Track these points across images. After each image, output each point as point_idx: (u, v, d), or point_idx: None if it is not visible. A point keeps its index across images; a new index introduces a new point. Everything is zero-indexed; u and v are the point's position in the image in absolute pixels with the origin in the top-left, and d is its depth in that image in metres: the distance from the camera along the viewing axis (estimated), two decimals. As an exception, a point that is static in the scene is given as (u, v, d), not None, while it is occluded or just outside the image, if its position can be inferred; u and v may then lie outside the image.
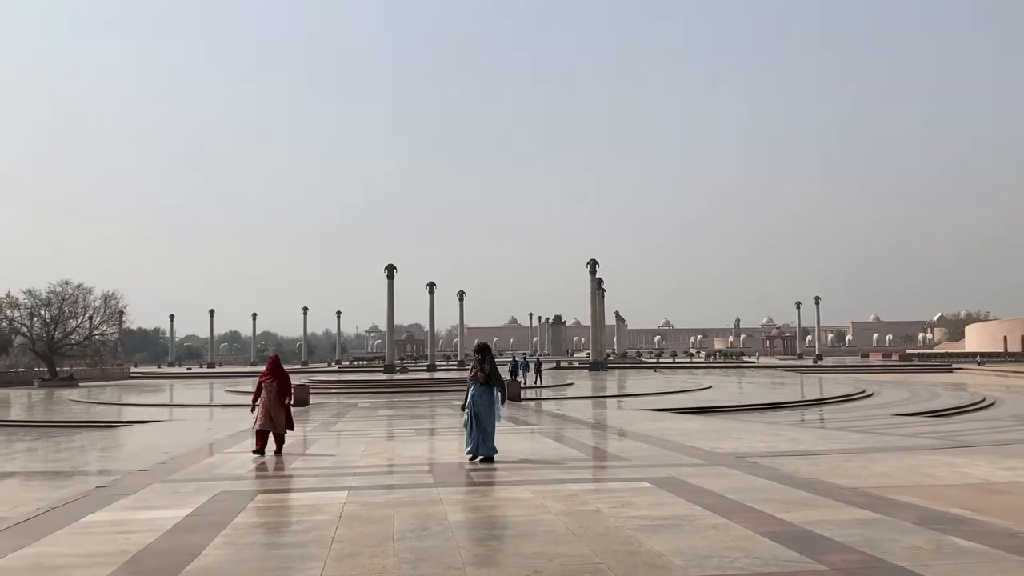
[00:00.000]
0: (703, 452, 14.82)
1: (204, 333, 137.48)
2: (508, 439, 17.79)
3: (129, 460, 15.76)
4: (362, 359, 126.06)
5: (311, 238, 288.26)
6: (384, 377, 64.12)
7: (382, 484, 10.94)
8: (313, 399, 39.02)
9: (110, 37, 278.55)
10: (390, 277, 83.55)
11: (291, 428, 15.74)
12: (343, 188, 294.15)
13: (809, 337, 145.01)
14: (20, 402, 48.36)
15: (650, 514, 8.30)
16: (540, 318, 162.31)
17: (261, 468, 13.13)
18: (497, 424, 13.77)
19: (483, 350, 13.99)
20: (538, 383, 49.15)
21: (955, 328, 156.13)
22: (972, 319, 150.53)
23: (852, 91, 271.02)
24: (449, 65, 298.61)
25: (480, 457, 13.29)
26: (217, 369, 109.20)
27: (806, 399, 41.59)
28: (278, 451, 15.24)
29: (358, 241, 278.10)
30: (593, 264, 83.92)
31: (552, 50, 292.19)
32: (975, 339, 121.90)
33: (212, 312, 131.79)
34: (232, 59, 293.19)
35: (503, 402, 13.93)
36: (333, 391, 49.25)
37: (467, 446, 13.55)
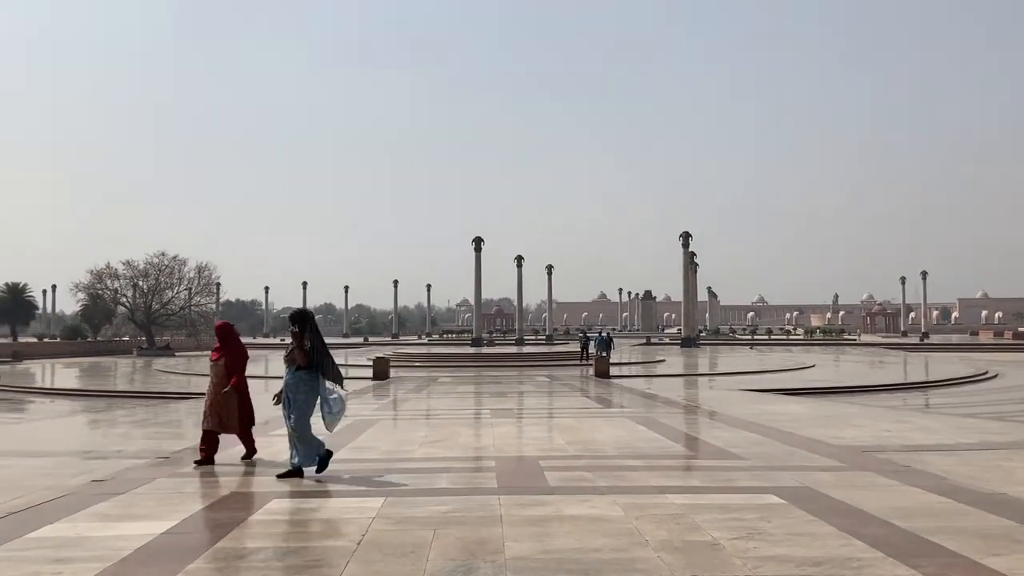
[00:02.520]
0: (827, 447, 12.16)
1: (300, 305, 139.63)
2: (593, 425, 15.47)
3: (168, 440, 14.03)
4: (451, 332, 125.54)
5: (405, 211, 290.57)
6: (470, 351, 62.57)
7: (431, 488, 8.70)
8: (394, 372, 37.65)
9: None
10: (477, 250, 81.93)
11: (251, 423, 11.10)
12: (436, 160, 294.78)
13: (913, 314, 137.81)
14: (105, 370, 48.57)
15: (793, 553, 5.85)
16: (630, 293, 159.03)
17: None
18: (336, 426, 9.90)
19: (301, 319, 9.76)
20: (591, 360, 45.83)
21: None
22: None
23: (958, 58, 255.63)
24: (535, 31, 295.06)
25: (293, 470, 9.43)
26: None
27: (921, 380, 37.99)
28: (248, 456, 10.94)
29: (449, 214, 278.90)
30: (686, 237, 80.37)
31: (639, 16, 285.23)
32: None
33: (305, 284, 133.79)
34: (332, 41, 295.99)
35: (333, 390, 9.75)
36: (416, 364, 47.86)
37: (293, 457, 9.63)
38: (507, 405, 20.99)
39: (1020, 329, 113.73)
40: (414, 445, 12.43)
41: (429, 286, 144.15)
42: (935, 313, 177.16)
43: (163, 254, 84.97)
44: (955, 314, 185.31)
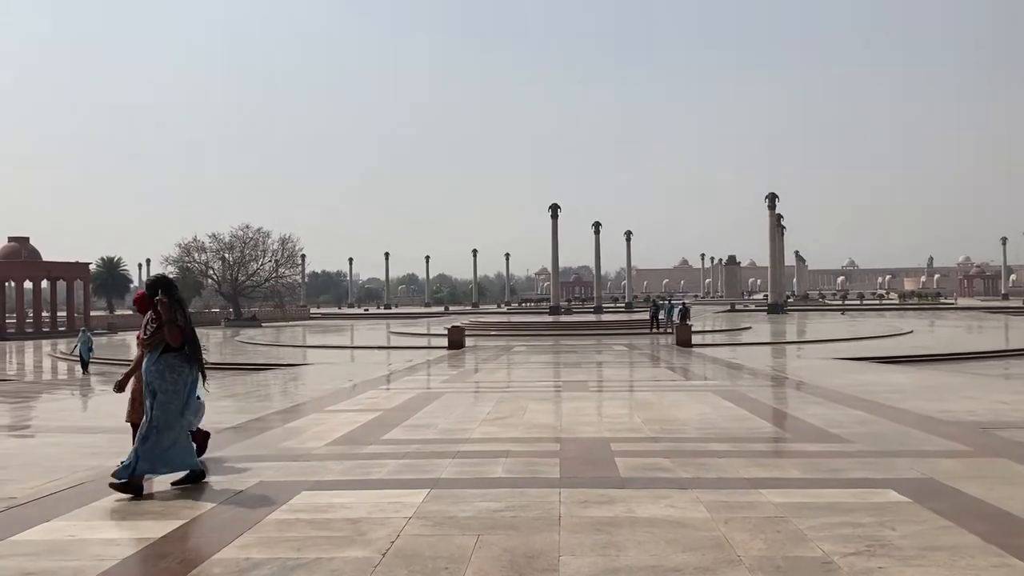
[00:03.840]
0: (943, 425, 10.62)
1: (385, 275, 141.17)
2: (674, 400, 14.14)
3: (231, 414, 13.30)
4: (530, 301, 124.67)
5: (483, 179, 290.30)
6: (548, 319, 61.61)
7: (484, 477, 7.55)
8: (471, 341, 36.93)
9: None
10: (554, 217, 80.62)
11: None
12: (513, 125, 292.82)
13: (1014, 276, 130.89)
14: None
15: (932, 576, 4.55)
16: (712, 259, 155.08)
17: (340, 441, 10.00)
18: (197, 422, 7.84)
19: (167, 287, 7.45)
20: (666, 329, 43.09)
21: None
22: None
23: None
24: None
25: (125, 482, 6.95)
26: (393, 310, 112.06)
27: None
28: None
29: (527, 181, 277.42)
30: (772, 198, 77.17)
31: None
32: None
33: (387, 255, 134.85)
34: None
35: (199, 384, 7.51)
36: (492, 333, 47.06)
37: (126, 461, 7.08)
38: (580, 377, 19.74)
39: None
40: (475, 423, 11.33)
41: (508, 255, 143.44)
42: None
43: (247, 226, 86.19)
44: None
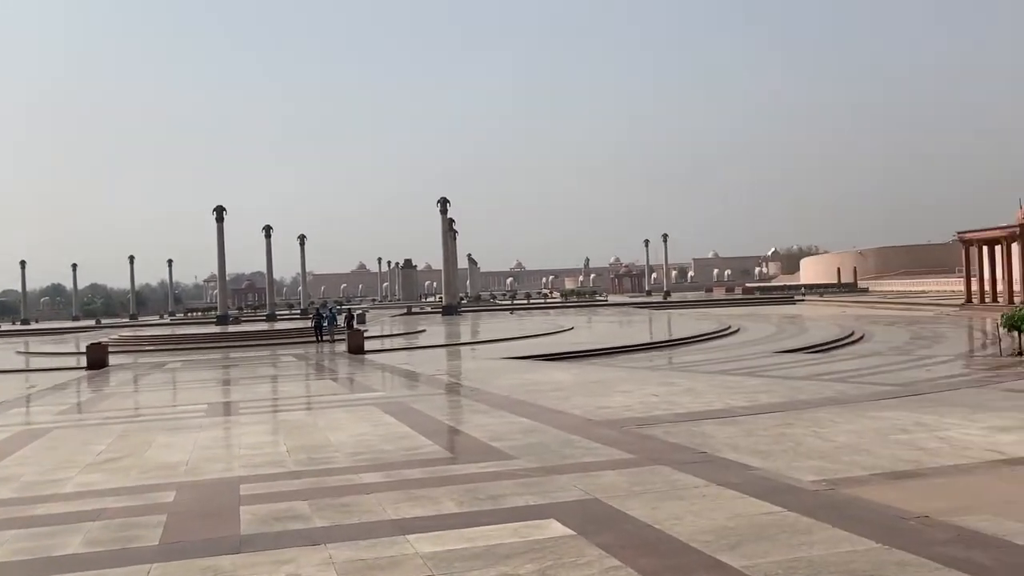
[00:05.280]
0: (606, 428, 10.44)
1: (21, 286, 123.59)
2: (332, 419, 12.77)
3: None
4: (197, 310, 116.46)
5: (140, 180, 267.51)
6: (215, 330, 57.31)
7: (47, 557, 5.62)
8: (120, 359, 32.80)
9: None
10: (219, 220, 75.55)
11: None
12: (178, 123, 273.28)
13: (655, 274, 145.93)
14: None
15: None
16: (390, 263, 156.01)
17: None
18: None
19: None
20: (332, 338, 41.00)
21: (789, 262, 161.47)
22: (804, 253, 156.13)
23: (684, 43, 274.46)
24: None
25: None
26: (33, 326, 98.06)
27: (674, 338, 38.67)
28: None
29: (188, 183, 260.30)
30: (444, 203, 78.67)
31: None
32: (810, 271, 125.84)
33: (23, 263, 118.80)
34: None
35: None
36: (148, 348, 42.56)
37: None
38: (235, 396, 17.68)
39: (747, 285, 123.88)
40: (76, 469, 9.11)
41: (171, 261, 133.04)
42: (674, 273, 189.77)
43: None
44: (691, 273, 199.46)
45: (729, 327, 43.03)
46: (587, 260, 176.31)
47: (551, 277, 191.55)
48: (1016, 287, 47.70)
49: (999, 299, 48.83)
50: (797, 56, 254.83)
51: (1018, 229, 48.02)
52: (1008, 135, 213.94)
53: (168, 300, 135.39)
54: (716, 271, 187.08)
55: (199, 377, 23.72)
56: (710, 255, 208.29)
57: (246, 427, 12.92)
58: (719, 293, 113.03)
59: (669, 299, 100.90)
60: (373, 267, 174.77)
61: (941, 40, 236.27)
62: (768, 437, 10.08)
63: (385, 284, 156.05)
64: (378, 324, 55.23)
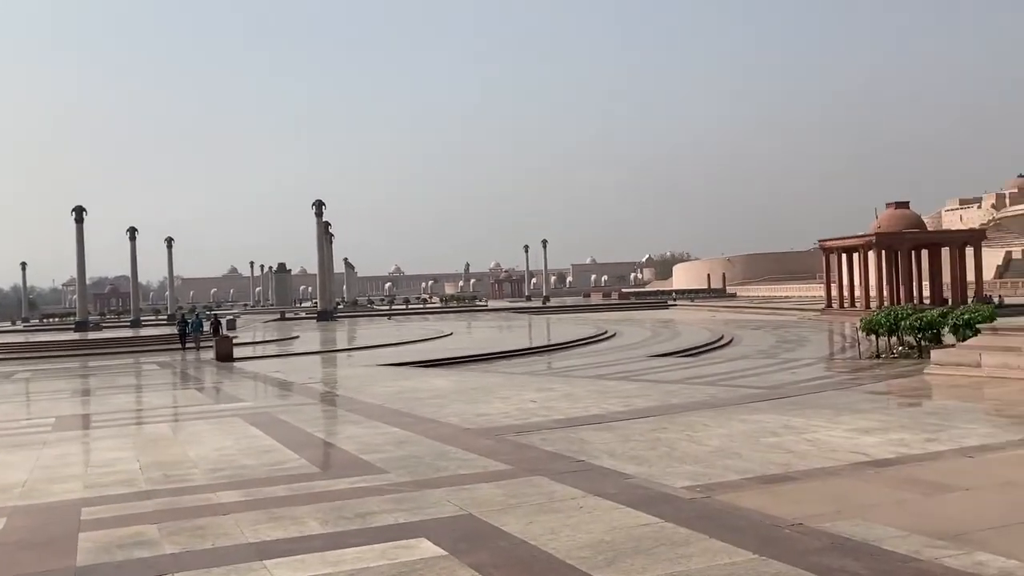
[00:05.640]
0: (482, 436, 10.20)
1: None
2: (193, 432, 12.01)
3: None
4: (54, 316, 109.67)
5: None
6: (74, 337, 53.95)
7: None
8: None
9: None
10: (79, 221, 71.38)
11: None
12: (33, 120, 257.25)
13: (535, 280, 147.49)
14: None
15: None
16: (263, 267, 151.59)
17: None
18: None
19: None
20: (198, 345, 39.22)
21: (663, 268, 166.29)
22: (677, 259, 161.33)
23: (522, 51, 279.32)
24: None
25: None
26: None
27: (552, 343, 38.89)
28: None
29: (45, 183, 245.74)
30: (319, 205, 76.81)
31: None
32: (682, 277, 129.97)
33: None
34: None
35: None
36: (-7, 358, 39.51)
37: None
38: (86, 408, 16.48)
39: (624, 290, 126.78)
40: None
41: (24, 264, 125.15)
42: (553, 278, 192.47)
43: None
44: (569, 278, 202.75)
45: (606, 331, 43.65)
46: (467, 265, 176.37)
47: (431, 282, 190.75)
48: (872, 292, 50.45)
49: (856, 304, 51.50)
50: (672, 69, 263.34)
51: (873, 238, 50.83)
52: (867, 152, 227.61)
53: (22, 305, 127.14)
54: (594, 277, 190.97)
55: (51, 388, 22.12)
56: (588, 261, 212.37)
57: (97, 442, 11.99)
58: (596, 298, 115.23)
59: (548, 304, 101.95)
60: (245, 271, 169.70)
61: (807, 57, 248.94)
62: (644, 442, 10.08)
63: (258, 289, 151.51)
64: (249, 330, 53.38)
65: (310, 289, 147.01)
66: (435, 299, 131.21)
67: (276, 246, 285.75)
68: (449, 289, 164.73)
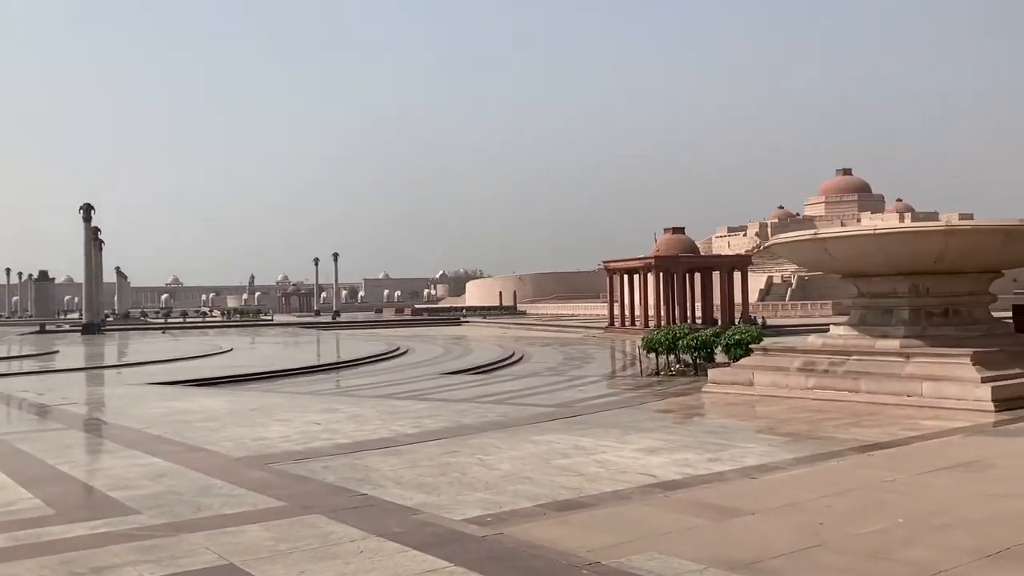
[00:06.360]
0: (254, 467, 9.26)
1: None
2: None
3: None
4: None
5: None
6: None
7: None
8: None
9: None
10: None
11: None
12: None
13: (325, 294, 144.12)
14: None
15: None
16: (21, 274, 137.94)
17: None
18: None
19: None
20: None
21: (456, 284, 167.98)
22: (470, 276, 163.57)
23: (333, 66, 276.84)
24: None
25: None
26: None
27: (341, 360, 37.64)
28: None
29: None
30: (88, 210, 70.69)
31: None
32: (475, 294, 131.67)
33: None
34: None
35: None
36: None
37: None
38: None
39: (417, 306, 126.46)
40: None
41: None
42: (344, 292, 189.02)
43: None
44: (361, 293, 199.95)
45: (398, 348, 42.90)
46: (252, 277, 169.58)
47: (212, 295, 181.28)
48: (651, 312, 53.09)
49: (636, 323, 54.03)
50: (463, 82, 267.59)
51: (653, 260, 53.60)
52: (649, 180, 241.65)
53: None
54: (387, 292, 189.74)
55: None
56: (381, 276, 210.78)
57: None
58: (389, 314, 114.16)
59: (338, 319, 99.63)
60: (1, 279, 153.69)
61: (598, 83, 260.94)
62: (433, 468, 9.59)
63: (15, 298, 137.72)
64: (3, 344, 48.00)
65: (76, 300, 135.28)
66: (216, 313, 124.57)
67: (39, 252, 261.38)
68: (232, 302, 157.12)
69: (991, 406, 12.47)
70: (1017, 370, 13.55)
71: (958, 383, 13.14)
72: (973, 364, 13.26)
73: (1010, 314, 17.13)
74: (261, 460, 9.95)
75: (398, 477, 9.03)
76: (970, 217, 57.52)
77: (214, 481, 8.50)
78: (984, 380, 12.91)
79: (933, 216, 79.50)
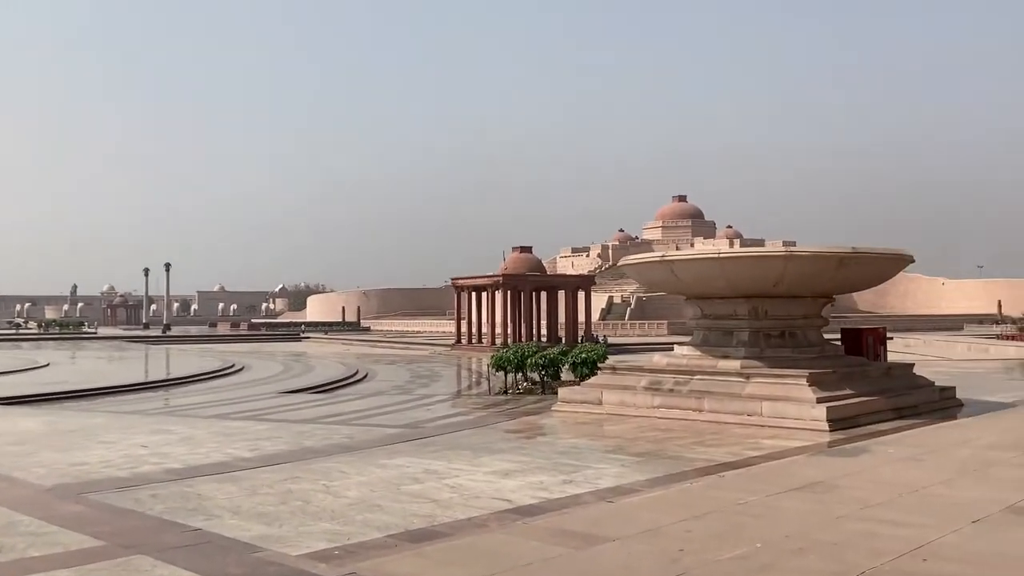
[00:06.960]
0: (67, 497, 8.33)
1: None
2: None
3: None
4: None
5: None
6: None
7: None
8: None
9: None
10: None
11: None
12: None
13: (155, 306, 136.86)
14: None
15: None
16: None
17: None
18: None
19: None
20: None
21: (296, 299, 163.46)
22: (311, 291, 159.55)
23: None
24: None
25: None
26: None
27: (173, 377, 35.62)
28: None
29: None
30: None
31: None
32: (316, 309, 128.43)
33: None
34: None
35: None
36: None
37: None
38: None
39: (254, 320, 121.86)
40: None
41: None
42: (176, 305, 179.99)
43: None
44: (195, 306, 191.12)
45: (234, 365, 41.09)
46: (75, 287, 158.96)
47: (28, 305, 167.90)
48: (498, 329, 53.34)
49: (483, 340, 54.12)
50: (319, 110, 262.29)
51: (501, 278, 53.94)
52: (496, 198, 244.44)
53: None
54: (222, 305, 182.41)
55: None
56: (216, 288, 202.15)
57: None
58: (224, 328, 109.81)
59: (169, 333, 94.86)
60: None
61: (460, 106, 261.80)
62: (274, 496, 8.95)
63: None
64: None
65: None
66: (32, 324, 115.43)
67: None
68: (51, 314, 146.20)
69: (826, 426, 13.01)
70: (848, 391, 14.24)
71: (796, 403, 13.65)
72: (809, 385, 13.83)
73: (839, 336, 18.05)
74: (78, 489, 8.98)
75: (235, 507, 8.35)
76: (793, 244, 61.45)
77: (20, 517, 7.49)
78: (819, 400, 13.47)
79: (759, 242, 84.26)
